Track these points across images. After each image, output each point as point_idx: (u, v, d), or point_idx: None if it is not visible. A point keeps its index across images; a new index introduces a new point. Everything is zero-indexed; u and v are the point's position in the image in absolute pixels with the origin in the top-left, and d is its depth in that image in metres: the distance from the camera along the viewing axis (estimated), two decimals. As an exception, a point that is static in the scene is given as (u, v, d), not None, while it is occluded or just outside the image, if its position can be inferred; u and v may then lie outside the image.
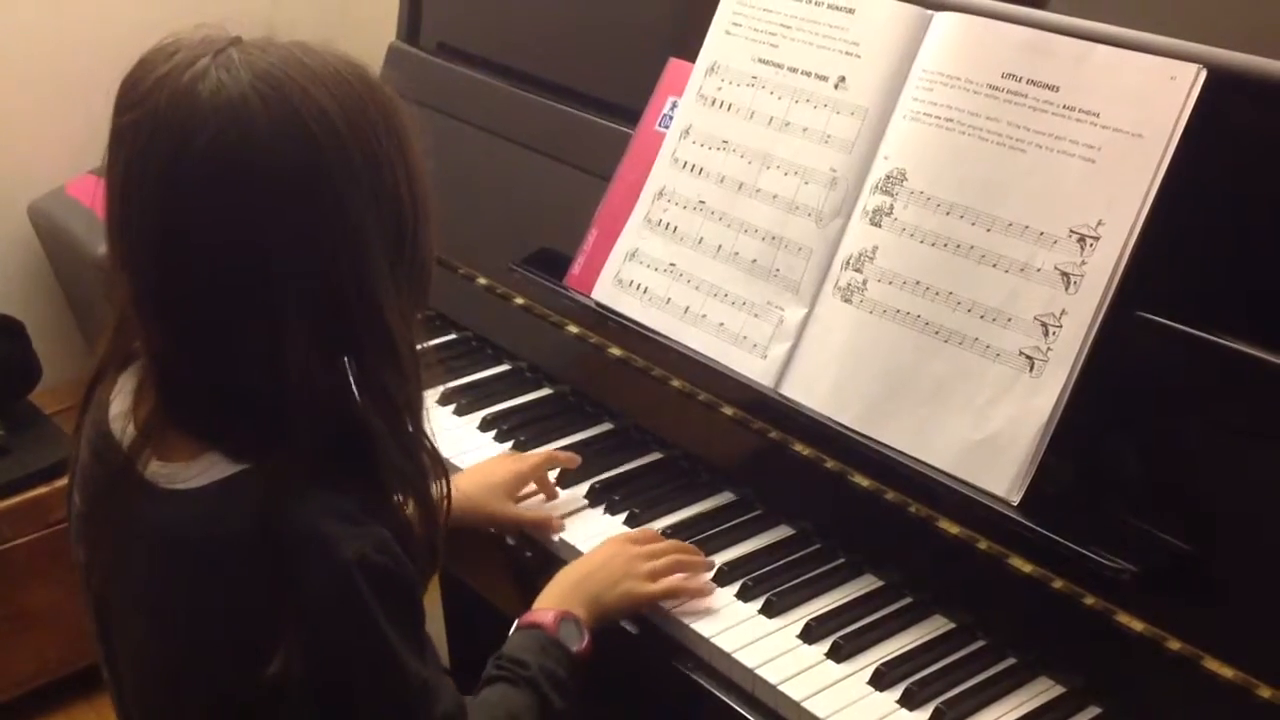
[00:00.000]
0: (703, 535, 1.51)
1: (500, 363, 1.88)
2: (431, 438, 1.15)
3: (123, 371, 1.13)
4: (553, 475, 1.61)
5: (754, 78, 1.57)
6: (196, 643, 1.07)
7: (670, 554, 1.43)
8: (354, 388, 1.07)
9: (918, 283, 1.38)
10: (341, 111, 1.01)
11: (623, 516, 1.56)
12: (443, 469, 1.17)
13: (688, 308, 1.57)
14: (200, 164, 0.98)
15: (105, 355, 1.14)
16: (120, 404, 1.12)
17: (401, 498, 1.11)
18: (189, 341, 1.04)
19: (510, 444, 1.70)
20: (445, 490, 1.18)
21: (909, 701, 1.29)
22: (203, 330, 1.03)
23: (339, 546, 1.03)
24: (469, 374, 1.85)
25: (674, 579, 1.40)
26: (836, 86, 1.50)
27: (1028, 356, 1.30)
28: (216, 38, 1.03)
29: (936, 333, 1.36)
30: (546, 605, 1.34)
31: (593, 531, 1.54)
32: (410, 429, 1.11)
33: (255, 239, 1.00)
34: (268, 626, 1.02)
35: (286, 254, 1.00)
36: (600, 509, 1.58)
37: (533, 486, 1.59)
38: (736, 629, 1.38)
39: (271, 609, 1.02)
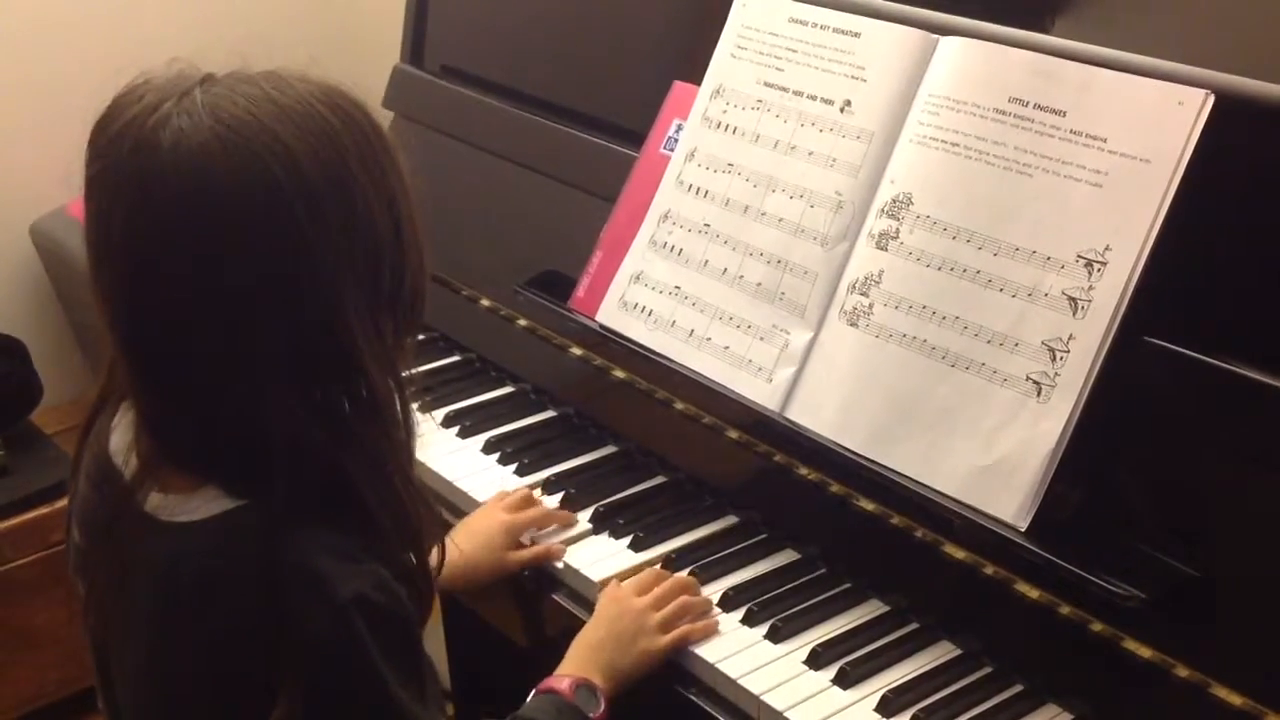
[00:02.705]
0: (707, 560, 1.51)
1: (504, 385, 1.88)
2: (418, 482, 1.12)
3: (123, 401, 1.12)
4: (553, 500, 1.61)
5: (759, 101, 1.57)
6: (194, 677, 1.06)
7: (673, 594, 1.42)
8: (335, 432, 1.05)
9: (924, 307, 1.38)
10: (309, 150, 0.98)
11: (626, 540, 1.55)
12: (432, 513, 1.15)
13: (692, 331, 1.57)
14: (161, 215, 0.97)
15: (104, 390, 1.13)
16: (121, 435, 1.11)
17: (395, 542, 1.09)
18: (167, 389, 1.03)
19: (513, 467, 1.69)
20: (439, 534, 1.17)
21: (916, 728, 1.29)
22: (179, 379, 1.02)
23: (336, 585, 1.01)
24: (472, 396, 1.84)
25: (684, 627, 1.40)
26: (842, 110, 1.50)
27: (1035, 382, 1.29)
28: (186, 75, 1.01)
29: (943, 357, 1.36)
30: (564, 673, 1.33)
31: (596, 555, 1.53)
32: (397, 475, 1.09)
33: (221, 290, 0.98)
34: (265, 663, 1.01)
35: (254, 303, 0.99)
36: (604, 533, 1.57)
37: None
38: (742, 654, 1.37)
39: (268, 646, 1.01)
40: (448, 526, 1.50)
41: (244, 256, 0.98)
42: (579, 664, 1.35)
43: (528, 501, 1.59)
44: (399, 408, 1.08)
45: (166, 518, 1.05)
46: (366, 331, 1.03)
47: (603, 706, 1.30)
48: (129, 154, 0.98)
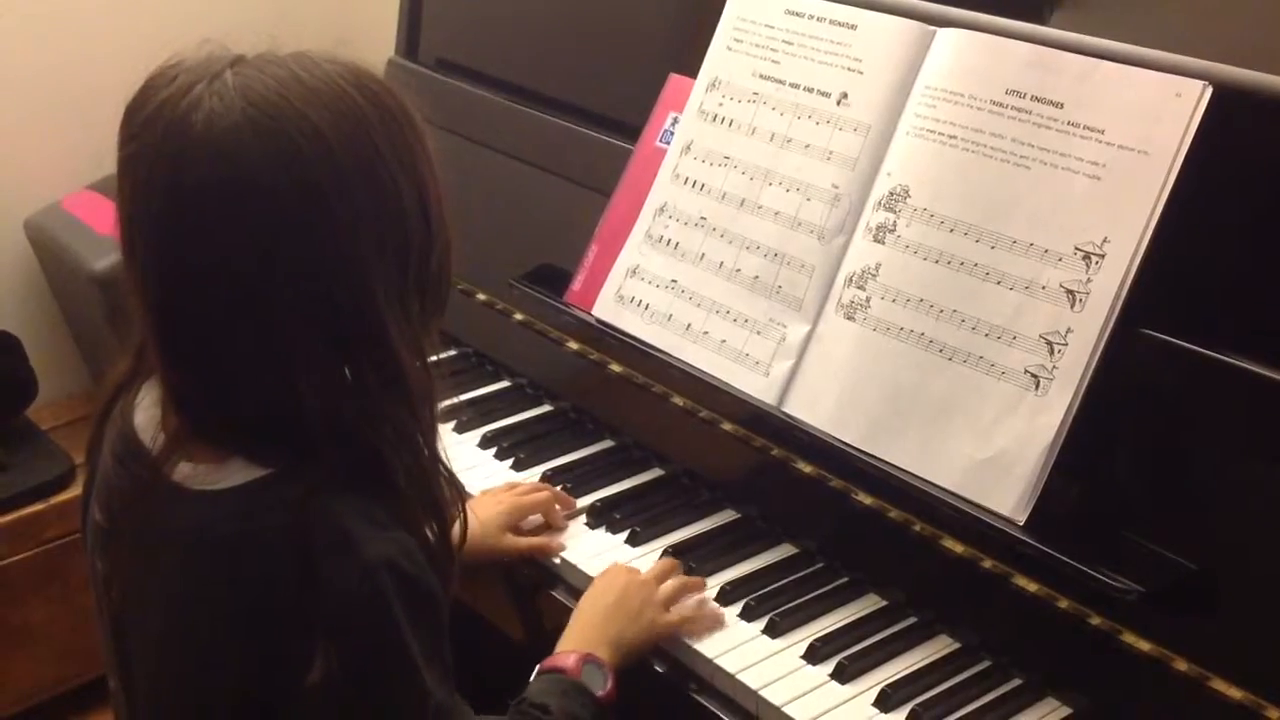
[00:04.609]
0: (705, 554, 1.50)
1: (500, 379, 1.87)
2: (447, 461, 1.14)
3: (146, 380, 1.13)
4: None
5: (755, 94, 1.57)
6: (223, 644, 1.06)
7: (670, 573, 1.43)
8: (363, 408, 1.06)
9: (921, 300, 1.38)
10: (338, 132, 1.00)
11: (624, 535, 1.54)
12: (459, 494, 1.16)
13: (689, 325, 1.57)
14: (194, 197, 0.99)
15: (132, 368, 1.14)
16: (145, 413, 1.11)
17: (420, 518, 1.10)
18: (199, 368, 1.04)
19: (510, 461, 1.69)
20: (462, 515, 1.17)
21: (914, 723, 1.29)
22: (211, 358, 1.03)
23: (364, 547, 1.02)
24: (469, 390, 1.84)
25: (687, 606, 1.40)
26: (839, 103, 1.49)
27: (1033, 375, 1.29)
28: (217, 57, 1.02)
29: (941, 350, 1.35)
30: (568, 648, 1.31)
31: (593, 550, 1.53)
32: (424, 452, 1.10)
33: (252, 269, 0.99)
34: (295, 628, 1.02)
35: (285, 282, 1.00)
36: (601, 527, 1.57)
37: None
38: (740, 649, 1.37)
39: (299, 610, 1.02)
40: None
41: (273, 235, 0.99)
42: (584, 637, 1.33)
43: (537, 491, 1.59)
44: (426, 387, 1.09)
45: (196, 487, 1.06)
46: (394, 311, 1.04)
47: (610, 683, 1.28)
48: (161, 136, 0.99)
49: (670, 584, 1.41)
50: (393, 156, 1.03)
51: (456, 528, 1.18)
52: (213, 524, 1.05)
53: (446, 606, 1.11)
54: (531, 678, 1.29)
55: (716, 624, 1.40)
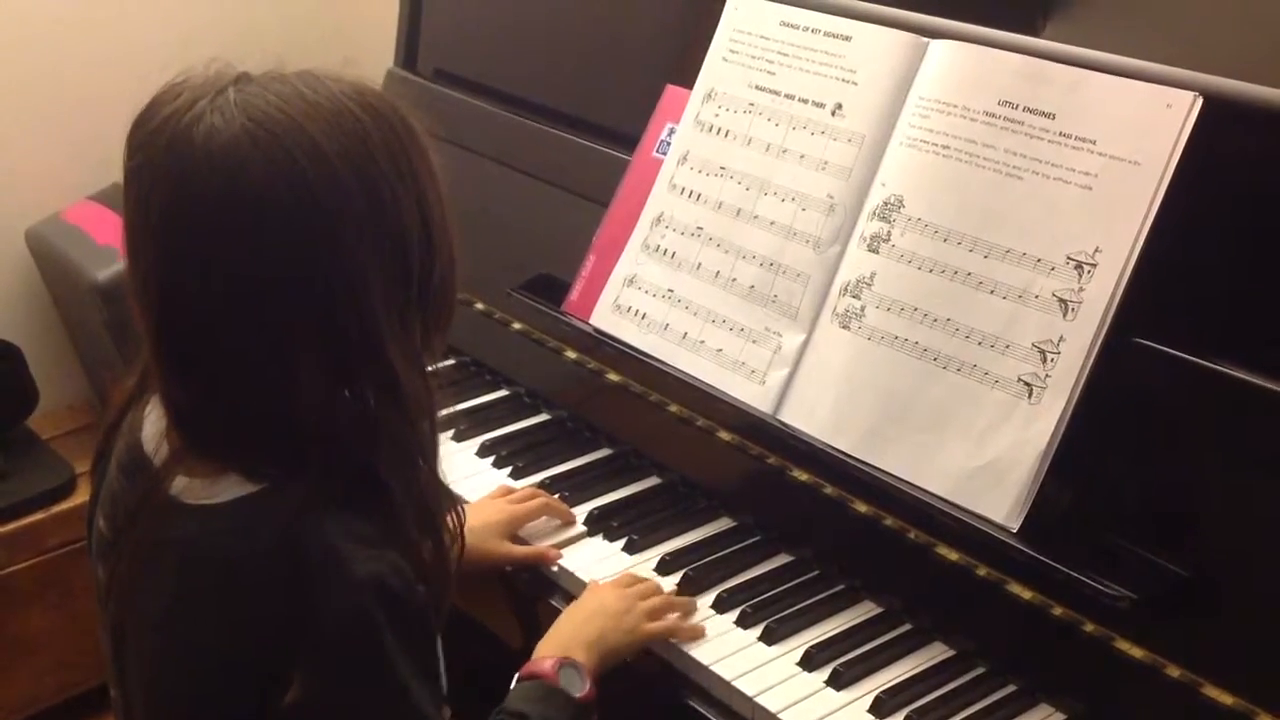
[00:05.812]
0: (701, 562, 1.51)
1: (498, 388, 1.88)
2: (443, 475, 1.15)
3: (155, 392, 1.13)
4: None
5: (751, 104, 1.58)
6: (214, 659, 1.07)
7: (658, 594, 1.43)
8: (362, 423, 1.06)
9: (915, 309, 1.38)
10: (339, 147, 1.00)
11: (621, 543, 1.55)
12: (456, 507, 1.17)
13: (686, 333, 1.58)
14: (194, 210, 1.00)
15: (141, 381, 1.15)
16: (153, 425, 1.13)
17: (416, 534, 1.11)
18: (196, 380, 1.05)
19: (508, 470, 1.69)
20: (458, 527, 1.18)
21: (909, 729, 1.29)
22: (208, 370, 1.04)
23: (354, 565, 1.03)
24: (467, 399, 1.85)
25: (673, 617, 1.41)
26: (834, 113, 1.50)
27: (1026, 383, 1.30)
28: (223, 75, 1.04)
29: (935, 359, 1.36)
30: (546, 654, 1.32)
31: (591, 557, 1.53)
32: (421, 468, 1.11)
33: (251, 282, 1.00)
34: (284, 645, 1.02)
35: (283, 296, 1.01)
36: (598, 535, 1.57)
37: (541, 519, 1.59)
38: (736, 656, 1.38)
39: (285, 625, 1.03)
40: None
41: (272, 249, 1.00)
42: (563, 641, 1.33)
43: (532, 498, 1.60)
44: (424, 402, 1.10)
45: (191, 500, 1.07)
46: (393, 326, 1.05)
47: (589, 685, 1.29)
48: (164, 150, 1.01)
49: (657, 598, 1.41)
50: (394, 172, 1.04)
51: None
52: (206, 537, 1.06)
53: (438, 622, 1.11)
54: (512, 685, 1.29)
55: (700, 635, 1.40)
